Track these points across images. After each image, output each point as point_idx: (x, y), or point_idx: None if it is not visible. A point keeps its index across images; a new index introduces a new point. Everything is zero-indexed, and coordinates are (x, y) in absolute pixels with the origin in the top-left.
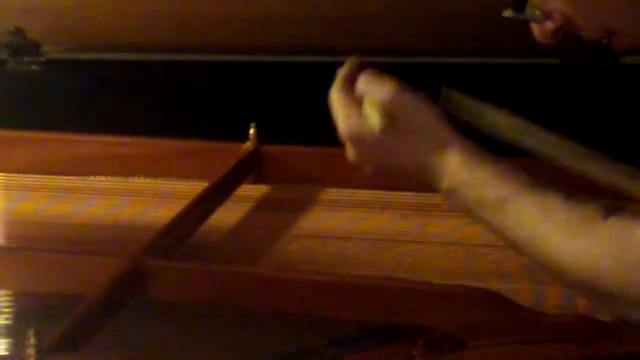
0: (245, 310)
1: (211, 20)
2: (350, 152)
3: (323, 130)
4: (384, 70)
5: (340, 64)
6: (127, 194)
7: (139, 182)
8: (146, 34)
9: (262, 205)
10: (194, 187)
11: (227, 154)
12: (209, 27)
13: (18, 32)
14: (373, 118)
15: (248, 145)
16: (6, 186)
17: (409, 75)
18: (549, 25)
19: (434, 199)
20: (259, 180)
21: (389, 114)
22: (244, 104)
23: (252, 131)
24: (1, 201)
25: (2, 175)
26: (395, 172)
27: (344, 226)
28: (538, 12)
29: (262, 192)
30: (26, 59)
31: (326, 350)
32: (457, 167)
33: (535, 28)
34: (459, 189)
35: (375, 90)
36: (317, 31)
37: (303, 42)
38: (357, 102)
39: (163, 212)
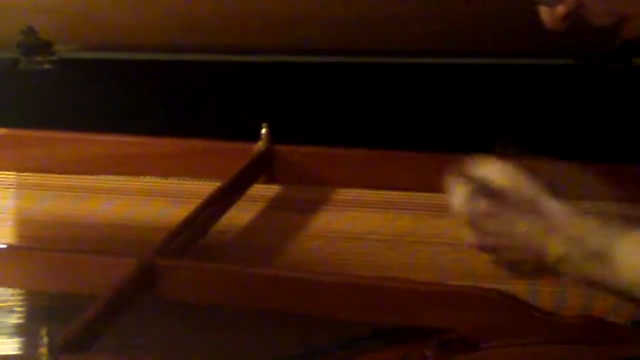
0: (257, 311)
1: (224, 20)
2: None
3: (335, 130)
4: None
5: (353, 64)
6: (139, 194)
7: (151, 182)
8: (158, 33)
9: (274, 205)
10: (205, 187)
11: (239, 153)
12: (221, 27)
13: (30, 31)
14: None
15: (260, 145)
16: (18, 185)
17: (425, 75)
18: (560, 9)
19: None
20: (271, 180)
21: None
22: (257, 104)
23: (264, 131)
24: (13, 200)
25: (14, 175)
26: (511, 252)
27: (355, 226)
28: None
29: (274, 192)
30: (38, 58)
31: (337, 351)
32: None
33: (544, 12)
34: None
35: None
36: (330, 32)
37: (316, 42)
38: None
39: (175, 212)
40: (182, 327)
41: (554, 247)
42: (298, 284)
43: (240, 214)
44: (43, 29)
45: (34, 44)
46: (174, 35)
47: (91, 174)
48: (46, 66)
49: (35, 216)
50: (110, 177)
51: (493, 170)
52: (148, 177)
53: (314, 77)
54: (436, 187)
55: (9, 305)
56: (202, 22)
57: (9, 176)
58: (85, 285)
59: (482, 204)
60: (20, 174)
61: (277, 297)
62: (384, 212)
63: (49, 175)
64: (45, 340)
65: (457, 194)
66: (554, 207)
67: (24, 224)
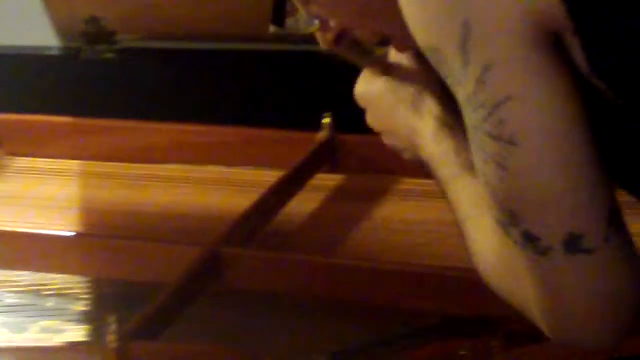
0: (321, 299)
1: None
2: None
3: None
4: None
5: None
6: (202, 183)
7: (214, 171)
8: (220, 22)
9: (337, 194)
10: (268, 176)
11: (302, 143)
12: None
13: (93, 20)
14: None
15: (323, 134)
16: (82, 173)
17: None
18: (328, 35)
19: None
20: (333, 170)
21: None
22: (320, 93)
23: (326, 120)
24: (77, 188)
25: (78, 163)
26: (397, 138)
27: (418, 215)
28: (304, 23)
29: (337, 181)
30: (100, 47)
31: (404, 341)
32: (428, 136)
33: (319, 37)
34: (428, 160)
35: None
36: None
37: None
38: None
39: (238, 201)
40: (247, 315)
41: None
42: (362, 273)
43: (303, 203)
44: (106, 19)
45: (97, 33)
46: (235, 25)
47: (154, 162)
48: (108, 55)
49: (99, 204)
50: (173, 165)
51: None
52: (211, 166)
53: None
54: None
55: (75, 293)
56: (263, 11)
57: (73, 164)
58: (151, 273)
59: (371, 93)
60: (84, 162)
61: (341, 286)
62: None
63: (112, 163)
64: (114, 327)
65: (360, 80)
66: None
67: (88, 212)
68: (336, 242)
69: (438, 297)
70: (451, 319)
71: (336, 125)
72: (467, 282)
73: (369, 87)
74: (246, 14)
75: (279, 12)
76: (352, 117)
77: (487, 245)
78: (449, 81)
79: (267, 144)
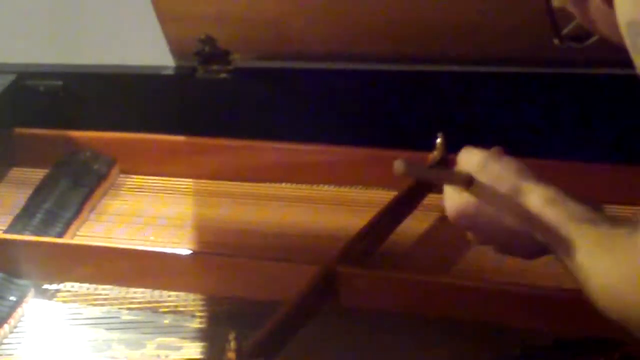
0: (435, 319)
1: (400, 29)
2: (469, 235)
3: (510, 140)
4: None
5: (528, 74)
6: (314, 202)
7: (325, 190)
8: (335, 43)
9: None
10: (379, 196)
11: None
12: (397, 36)
13: (208, 40)
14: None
15: (435, 154)
16: (196, 192)
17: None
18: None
19: None
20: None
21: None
22: (432, 113)
23: (439, 140)
24: (191, 207)
25: (192, 182)
26: (503, 235)
27: None
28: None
29: None
30: (215, 67)
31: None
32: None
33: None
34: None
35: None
36: (507, 41)
37: (491, 51)
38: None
39: (350, 221)
40: (361, 335)
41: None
42: (475, 293)
43: (416, 223)
44: (221, 39)
45: (212, 53)
46: (349, 44)
47: (267, 181)
48: (223, 75)
49: (213, 222)
50: (286, 185)
51: (468, 162)
52: (323, 185)
53: (490, 87)
54: None
55: (191, 310)
56: (378, 31)
57: (187, 183)
58: (266, 291)
59: (468, 205)
60: (198, 180)
61: (454, 306)
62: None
63: (225, 182)
64: (233, 345)
65: (447, 201)
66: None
67: (201, 230)
68: (449, 262)
69: (550, 317)
70: (564, 340)
71: (448, 146)
72: (579, 303)
73: (461, 205)
74: (361, 34)
75: (555, 26)
76: (464, 138)
77: (610, 259)
78: (638, 57)
79: (378, 164)
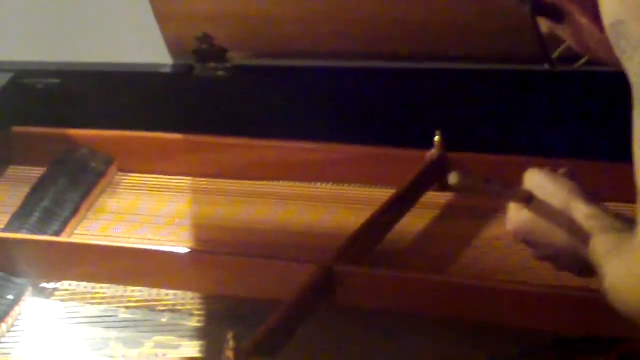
0: (433, 317)
1: (396, 27)
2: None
3: (508, 138)
4: None
5: (527, 72)
6: (312, 200)
7: (323, 188)
8: (332, 41)
9: (448, 212)
10: (377, 194)
11: (411, 161)
12: (394, 35)
13: (206, 38)
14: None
15: (433, 152)
16: (193, 190)
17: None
18: None
19: None
20: (444, 188)
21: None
22: (429, 111)
23: (437, 139)
24: (188, 205)
25: (189, 180)
26: (555, 250)
27: None
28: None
29: (447, 200)
30: (212, 65)
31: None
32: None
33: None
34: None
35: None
36: (505, 40)
37: (488, 50)
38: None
39: (347, 219)
40: (360, 334)
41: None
42: (474, 292)
43: (414, 221)
44: (218, 37)
45: (209, 51)
46: (346, 42)
47: (265, 179)
48: (220, 73)
49: (210, 221)
50: (284, 183)
51: (527, 180)
52: (321, 183)
53: (488, 84)
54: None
55: (188, 309)
56: (375, 30)
57: (184, 181)
58: (264, 290)
59: (526, 221)
60: (195, 178)
61: (452, 305)
62: None
63: (222, 180)
64: (232, 344)
65: (510, 217)
66: (581, 210)
67: (199, 228)
68: (447, 260)
69: (549, 317)
70: (565, 339)
71: (446, 144)
72: (580, 301)
73: (521, 220)
74: (358, 32)
75: (544, 51)
76: (463, 135)
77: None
78: (624, 57)
79: (376, 162)
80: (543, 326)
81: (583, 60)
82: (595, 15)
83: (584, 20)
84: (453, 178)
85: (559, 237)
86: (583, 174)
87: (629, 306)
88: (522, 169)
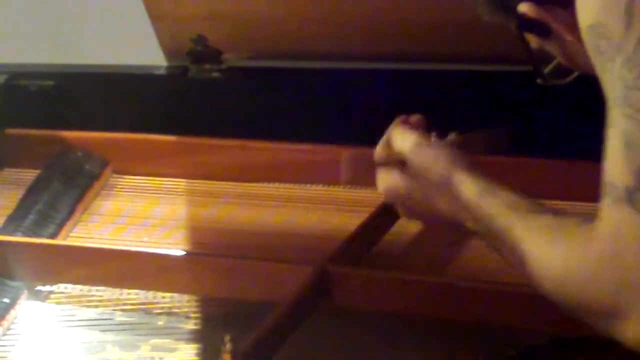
0: (429, 319)
1: (393, 28)
2: (398, 208)
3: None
4: None
5: (531, 73)
6: (307, 202)
7: (318, 190)
8: (328, 41)
9: None
10: (371, 195)
11: None
12: (391, 35)
13: (200, 39)
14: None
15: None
16: (188, 192)
17: None
18: None
19: None
20: None
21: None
22: (426, 112)
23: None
24: (183, 207)
25: (184, 182)
26: (432, 217)
27: None
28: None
29: None
30: (207, 66)
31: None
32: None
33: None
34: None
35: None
36: (508, 40)
37: (491, 50)
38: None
39: (341, 220)
40: (357, 335)
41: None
42: (471, 293)
43: (410, 222)
44: (213, 38)
45: (204, 52)
46: (344, 44)
47: (260, 181)
48: (215, 75)
49: (205, 223)
50: (279, 184)
51: (406, 145)
52: (315, 184)
53: (489, 85)
54: None
55: (185, 312)
56: (372, 31)
57: (179, 183)
58: (260, 291)
59: (399, 184)
60: (190, 180)
61: (449, 305)
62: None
63: (217, 182)
64: (229, 347)
65: (380, 176)
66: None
67: (194, 230)
68: (444, 261)
69: (546, 317)
70: (564, 339)
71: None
72: None
73: (392, 184)
74: (355, 33)
75: (535, 66)
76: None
77: (562, 248)
78: (602, 58)
79: (372, 164)
80: (542, 327)
81: (574, 75)
82: (578, 30)
83: (568, 37)
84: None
85: (438, 206)
86: (588, 175)
87: (579, 296)
88: (527, 170)
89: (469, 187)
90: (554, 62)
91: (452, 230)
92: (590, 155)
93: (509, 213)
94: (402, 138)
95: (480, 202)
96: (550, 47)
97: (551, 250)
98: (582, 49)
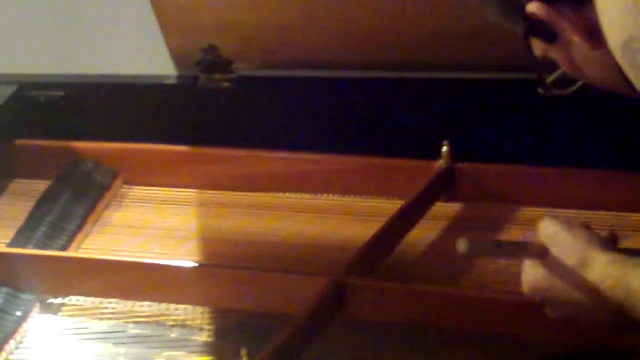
0: (445, 329)
1: (401, 36)
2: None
3: (517, 148)
4: None
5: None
6: (320, 212)
7: (330, 200)
8: (337, 51)
9: (456, 223)
10: (384, 205)
11: (418, 172)
12: (399, 44)
13: (211, 49)
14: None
15: (441, 163)
16: (199, 203)
17: None
18: None
19: None
20: (452, 199)
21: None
22: (437, 121)
23: (444, 149)
24: (194, 218)
25: (195, 192)
26: (573, 308)
27: None
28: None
29: (456, 211)
30: (217, 76)
31: None
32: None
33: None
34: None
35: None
36: (513, 48)
37: (496, 58)
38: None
39: (356, 230)
40: (371, 346)
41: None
42: (484, 303)
43: (423, 233)
44: (223, 47)
45: (214, 62)
46: (352, 53)
47: (271, 191)
48: (225, 84)
49: (217, 234)
50: (291, 194)
51: (546, 234)
52: (328, 194)
53: (495, 94)
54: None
55: (197, 323)
56: (380, 40)
57: (190, 193)
58: (273, 303)
59: (540, 278)
60: (201, 191)
61: (463, 316)
62: None
63: (229, 192)
64: (245, 359)
65: (525, 275)
66: (600, 258)
67: (206, 241)
68: (458, 272)
69: (563, 328)
70: (576, 351)
71: (454, 154)
72: None
73: (536, 277)
74: (365, 41)
75: (538, 74)
76: (470, 146)
77: None
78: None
79: (384, 173)
80: (557, 338)
81: (576, 86)
82: (586, 32)
83: (575, 38)
84: (461, 245)
85: (576, 295)
86: (592, 183)
87: None
88: (532, 178)
89: (600, 262)
90: (558, 72)
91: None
92: (599, 164)
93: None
94: (544, 227)
95: (610, 270)
96: (555, 54)
97: None
98: (588, 51)
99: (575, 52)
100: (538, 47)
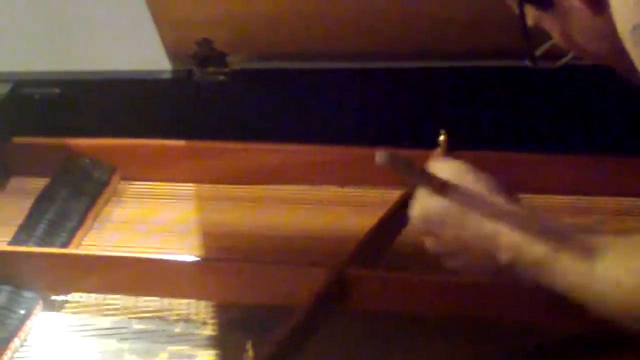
0: (449, 319)
1: (396, 26)
2: (427, 240)
3: (514, 136)
4: None
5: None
6: (317, 203)
7: (328, 191)
8: (333, 42)
9: None
10: (382, 195)
11: (416, 161)
12: (394, 34)
13: (205, 42)
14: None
15: (439, 152)
16: (197, 197)
17: None
18: None
19: None
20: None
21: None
22: (434, 110)
23: (442, 138)
24: (193, 212)
25: (192, 186)
26: (466, 255)
27: None
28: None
29: None
30: (212, 69)
31: (533, 356)
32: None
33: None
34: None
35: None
36: (510, 36)
37: (493, 46)
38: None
39: (354, 221)
40: (371, 337)
41: (502, 253)
42: (486, 292)
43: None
44: (218, 41)
45: (209, 55)
46: (348, 44)
47: (269, 183)
48: (220, 77)
49: (215, 227)
50: (287, 186)
51: (443, 169)
52: (325, 185)
53: (492, 82)
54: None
55: (201, 318)
56: (377, 30)
57: (187, 187)
58: (276, 296)
59: (438, 210)
60: (198, 185)
61: (467, 306)
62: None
63: (226, 186)
64: (251, 352)
65: (417, 202)
66: (502, 207)
67: (206, 235)
68: None
69: (565, 314)
70: (578, 336)
71: (451, 142)
72: None
73: (430, 208)
74: (360, 32)
75: (527, 45)
76: (468, 134)
77: None
78: None
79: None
80: (558, 324)
81: (567, 58)
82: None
83: (576, 3)
84: (379, 157)
85: (471, 230)
86: (589, 169)
87: None
88: (529, 166)
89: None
90: (548, 43)
91: (480, 270)
92: (590, 150)
93: (576, 235)
94: (442, 165)
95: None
96: (548, 22)
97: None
98: (587, 18)
99: (573, 20)
100: (531, 15)
